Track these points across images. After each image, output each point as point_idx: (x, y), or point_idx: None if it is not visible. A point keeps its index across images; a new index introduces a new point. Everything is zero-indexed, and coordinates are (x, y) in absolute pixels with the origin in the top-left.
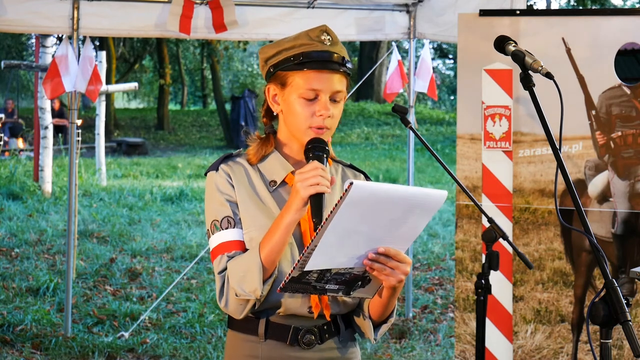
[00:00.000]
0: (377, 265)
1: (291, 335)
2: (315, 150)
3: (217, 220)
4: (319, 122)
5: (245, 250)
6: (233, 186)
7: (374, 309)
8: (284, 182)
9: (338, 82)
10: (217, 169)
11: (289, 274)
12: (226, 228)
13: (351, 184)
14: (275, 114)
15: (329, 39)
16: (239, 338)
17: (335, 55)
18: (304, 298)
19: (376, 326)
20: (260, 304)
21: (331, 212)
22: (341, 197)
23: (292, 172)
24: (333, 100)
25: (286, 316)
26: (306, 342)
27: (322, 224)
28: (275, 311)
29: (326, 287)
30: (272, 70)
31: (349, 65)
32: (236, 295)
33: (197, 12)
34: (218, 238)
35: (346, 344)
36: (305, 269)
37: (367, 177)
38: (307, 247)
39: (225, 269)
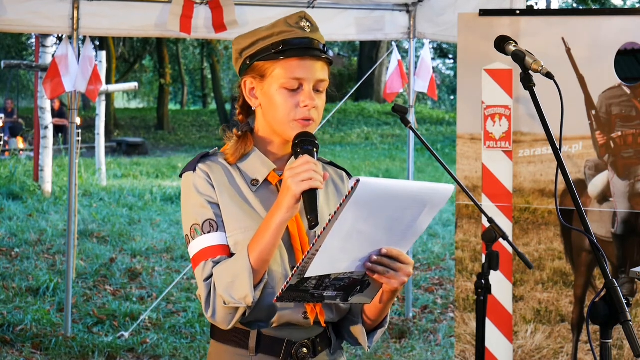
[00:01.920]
0: (380, 268)
1: (285, 350)
2: (304, 144)
3: (198, 224)
4: (304, 114)
5: (230, 255)
6: (213, 187)
7: (370, 314)
8: (266, 181)
9: (321, 70)
10: (194, 169)
11: (287, 282)
12: (208, 232)
13: (358, 181)
14: (253, 109)
15: (308, 26)
16: (226, 351)
17: (316, 42)
18: (297, 304)
19: (370, 332)
20: (251, 314)
21: (335, 212)
22: (346, 196)
23: (275, 170)
24: (316, 90)
25: (279, 327)
26: (300, 357)
27: (325, 225)
28: (268, 322)
29: (324, 294)
30: (248, 62)
31: (330, 52)
32: (224, 304)
33: (197, 12)
34: (200, 243)
35: (336, 355)
36: (305, 276)
37: (349, 175)
38: (308, 252)
39: (211, 275)
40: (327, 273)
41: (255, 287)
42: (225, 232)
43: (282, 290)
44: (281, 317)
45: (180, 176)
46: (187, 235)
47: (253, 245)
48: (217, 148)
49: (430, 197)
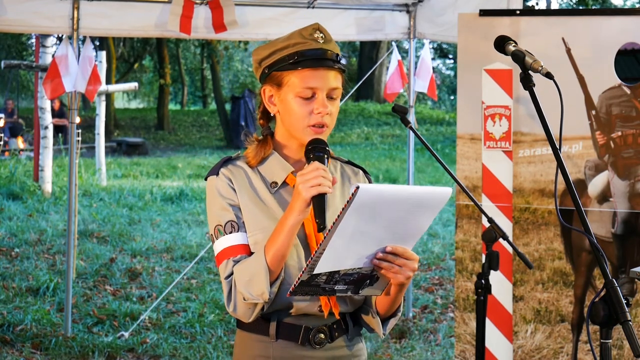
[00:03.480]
0: (386, 264)
1: (302, 335)
2: (316, 150)
3: (221, 225)
4: (317, 120)
5: (250, 253)
6: (235, 190)
7: (381, 305)
8: (285, 183)
9: (334, 79)
10: (217, 174)
11: (298, 278)
12: (230, 232)
13: (357, 187)
14: (272, 115)
15: (322, 37)
16: (250, 338)
17: (329, 52)
18: (313, 298)
19: (384, 321)
20: (270, 306)
21: (338, 216)
22: (348, 201)
23: (292, 173)
24: (330, 97)
25: (297, 316)
26: (317, 342)
27: (330, 228)
28: (286, 312)
29: (335, 288)
30: (266, 71)
31: (343, 61)
32: (244, 300)
33: (197, 12)
34: (222, 243)
35: (354, 341)
36: (315, 272)
37: (365, 173)
38: (316, 251)
39: (232, 273)
40: (335, 269)
41: (272, 284)
42: (245, 232)
43: (295, 285)
44: (298, 309)
45: (205, 179)
46: (211, 235)
47: (269, 245)
48: (239, 152)
49: (429, 201)
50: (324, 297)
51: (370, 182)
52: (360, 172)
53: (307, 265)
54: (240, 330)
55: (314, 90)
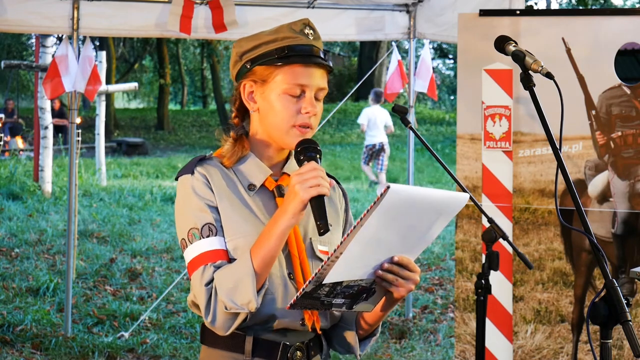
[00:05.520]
0: (390, 275)
1: (281, 353)
2: (308, 151)
3: (197, 228)
4: (304, 120)
5: (229, 260)
6: (212, 190)
7: (370, 319)
8: (263, 187)
9: (321, 78)
10: (192, 172)
11: (303, 289)
12: (207, 236)
13: (387, 187)
14: (252, 112)
15: (311, 33)
16: (219, 355)
17: (317, 49)
18: (296, 310)
19: (362, 340)
20: (250, 319)
21: (361, 218)
22: (375, 202)
23: (271, 176)
24: (316, 98)
25: (276, 332)
26: None
27: (350, 231)
28: (264, 326)
29: (333, 302)
30: (248, 65)
31: (329, 61)
32: (225, 309)
33: (197, 12)
34: (198, 247)
35: None
36: (323, 282)
37: (337, 183)
38: (328, 258)
39: (212, 280)
40: (343, 280)
41: (258, 292)
42: (224, 236)
43: (297, 297)
44: (279, 322)
45: (177, 179)
46: (183, 239)
47: (256, 250)
48: (211, 152)
49: (446, 205)
50: (307, 310)
51: (344, 193)
52: (333, 181)
53: (315, 274)
54: (207, 347)
55: (303, 88)
